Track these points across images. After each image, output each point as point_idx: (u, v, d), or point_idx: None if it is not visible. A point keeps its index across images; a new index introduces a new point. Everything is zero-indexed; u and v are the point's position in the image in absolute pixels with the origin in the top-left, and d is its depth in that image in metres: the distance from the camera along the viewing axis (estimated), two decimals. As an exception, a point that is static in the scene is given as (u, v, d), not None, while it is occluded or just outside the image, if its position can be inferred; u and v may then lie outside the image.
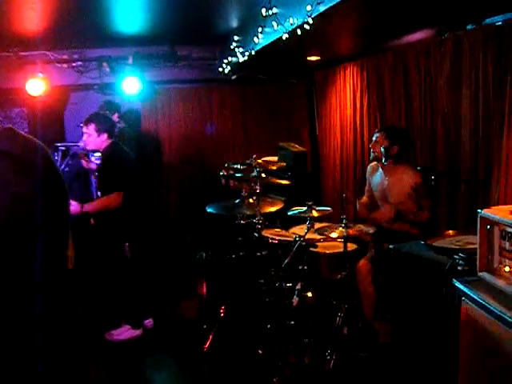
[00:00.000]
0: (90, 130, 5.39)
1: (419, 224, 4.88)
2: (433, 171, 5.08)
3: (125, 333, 5.52)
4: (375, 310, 4.96)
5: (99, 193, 5.79)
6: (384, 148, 5.03)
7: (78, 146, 6.20)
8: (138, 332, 5.59)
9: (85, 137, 5.48)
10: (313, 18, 4.16)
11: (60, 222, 1.80)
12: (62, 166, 6.02)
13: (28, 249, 1.62)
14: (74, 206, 5.19)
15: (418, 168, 5.10)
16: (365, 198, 5.61)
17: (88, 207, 5.32)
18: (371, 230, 4.87)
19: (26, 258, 1.62)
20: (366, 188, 5.64)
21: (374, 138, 5.22)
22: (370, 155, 5.34)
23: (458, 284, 3.09)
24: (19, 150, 1.72)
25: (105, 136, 5.41)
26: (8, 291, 1.64)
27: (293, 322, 4.59)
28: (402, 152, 5.11)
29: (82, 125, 5.62)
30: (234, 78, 7.99)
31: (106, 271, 5.61)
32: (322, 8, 4.02)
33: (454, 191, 5.15)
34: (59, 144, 6.16)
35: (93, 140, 5.42)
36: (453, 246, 3.72)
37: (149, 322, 5.77)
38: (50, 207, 1.71)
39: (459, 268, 3.37)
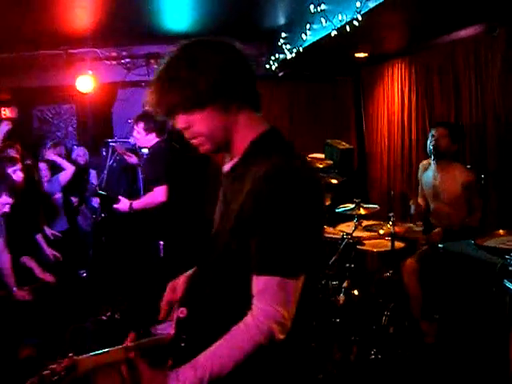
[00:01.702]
0: (138, 128, 5.42)
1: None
2: (483, 169, 5.00)
3: (169, 328, 5.54)
4: (422, 310, 4.91)
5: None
6: (436, 147, 4.98)
7: (129, 142, 6.27)
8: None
9: (134, 133, 5.52)
10: (362, 15, 4.14)
11: None
12: (111, 162, 6.11)
13: None
14: (124, 204, 5.25)
15: (468, 166, 5.03)
16: (420, 202, 5.53)
17: (136, 205, 5.33)
18: (419, 228, 4.83)
19: None
20: (419, 188, 5.57)
21: (433, 133, 5.12)
22: (429, 149, 5.20)
23: (509, 284, 3.04)
24: None
25: (153, 135, 5.42)
26: None
27: (338, 320, 4.57)
28: (458, 150, 5.06)
29: (130, 121, 5.66)
30: (281, 74, 7.98)
31: (140, 268, 5.64)
32: (371, 4, 4.00)
33: (504, 190, 5.07)
34: (109, 140, 6.25)
35: (141, 138, 5.46)
36: (504, 246, 3.65)
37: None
38: None
39: (510, 268, 3.31)
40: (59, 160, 6.82)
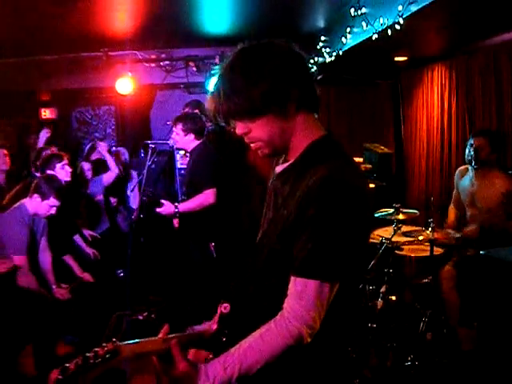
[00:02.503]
0: (177, 129, 5.42)
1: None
2: (524, 175, 4.93)
3: None
4: (460, 317, 4.85)
5: (183, 189, 5.85)
6: (476, 154, 4.91)
7: (168, 143, 6.30)
8: (217, 328, 5.60)
9: (173, 135, 5.53)
10: (404, 18, 4.11)
11: None
12: (149, 163, 6.15)
13: None
14: (168, 207, 5.25)
15: (510, 172, 4.96)
16: (451, 218, 5.46)
17: (182, 207, 5.29)
18: (458, 235, 4.77)
19: None
20: (454, 193, 5.50)
21: (472, 142, 5.03)
22: (468, 158, 5.12)
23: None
24: None
25: (191, 136, 5.40)
26: None
27: (375, 325, 4.54)
28: (498, 159, 4.99)
29: (169, 123, 5.68)
30: (319, 78, 7.95)
31: (191, 270, 5.64)
32: (413, 8, 3.97)
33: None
34: (149, 142, 6.29)
35: (180, 139, 5.46)
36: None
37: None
38: None
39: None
40: (108, 158, 6.89)
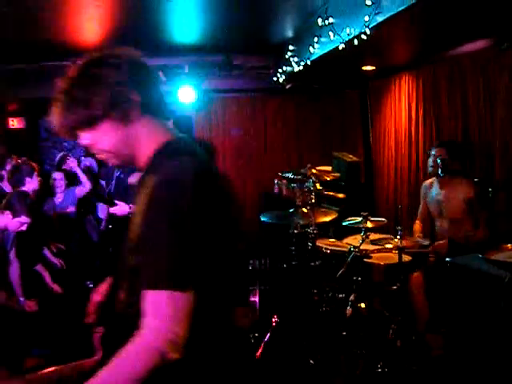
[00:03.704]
0: None
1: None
2: (490, 183, 4.99)
3: None
4: (428, 323, 4.89)
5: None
6: (443, 162, 4.97)
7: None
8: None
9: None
10: (370, 29, 4.15)
11: None
12: (118, 173, 6.11)
13: None
14: (122, 207, 5.19)
15: (475, 180, 5.02)
16: (417, 225, 5.52)
17: None
18: (426, 242, 4.81)
19: None
20: (420, 209, 5.56)
21: (433, 153, 5.16)
22: (429, 169, 5.27)
23: (517, 299, 3.03)
24: None
25: None
26: None
27: (345, 333, 4.55)
28: (459, 167, 5.06)
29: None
30: (288, 87, 8.00)
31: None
32: (379, 18, 4.01)
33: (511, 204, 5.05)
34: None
35: None
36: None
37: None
38: None
39: (519, 282, 3.30)
40: (80, 173, 6.83)
